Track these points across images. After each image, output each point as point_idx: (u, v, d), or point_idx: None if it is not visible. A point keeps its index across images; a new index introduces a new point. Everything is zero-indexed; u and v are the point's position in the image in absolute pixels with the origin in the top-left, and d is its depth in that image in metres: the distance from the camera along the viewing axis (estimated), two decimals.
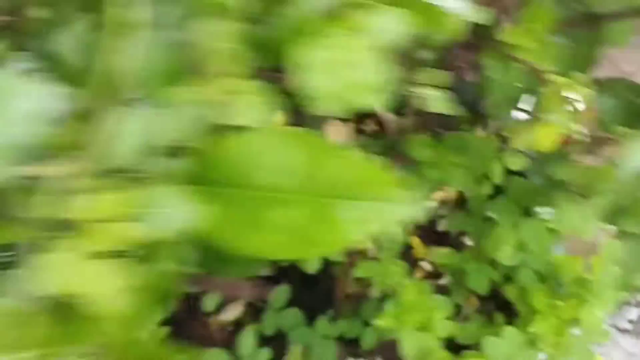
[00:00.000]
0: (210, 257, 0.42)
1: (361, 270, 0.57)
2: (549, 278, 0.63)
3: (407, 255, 0.81)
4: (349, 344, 0.76)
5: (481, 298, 0.78)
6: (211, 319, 0.74)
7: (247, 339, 0.60)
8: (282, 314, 0.68)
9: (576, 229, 0.59)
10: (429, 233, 0.82)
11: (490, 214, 0.63)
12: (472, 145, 0.66)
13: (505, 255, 0.62)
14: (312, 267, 0.61)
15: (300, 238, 0.23)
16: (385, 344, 0.74)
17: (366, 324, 0.74)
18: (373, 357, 0.78)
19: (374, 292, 0.79)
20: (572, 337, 0.58)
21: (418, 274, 0.80)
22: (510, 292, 0.62)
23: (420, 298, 0.53)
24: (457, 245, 0.77)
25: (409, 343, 0.44)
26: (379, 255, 0.66)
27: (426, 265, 0.80)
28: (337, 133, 0.57)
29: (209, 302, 0.66)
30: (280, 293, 0.68)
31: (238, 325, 0.74)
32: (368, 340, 0.73)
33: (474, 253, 0.70)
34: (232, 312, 0.75)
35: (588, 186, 0.53)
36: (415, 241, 0.81)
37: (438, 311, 0.52)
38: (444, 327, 0.58)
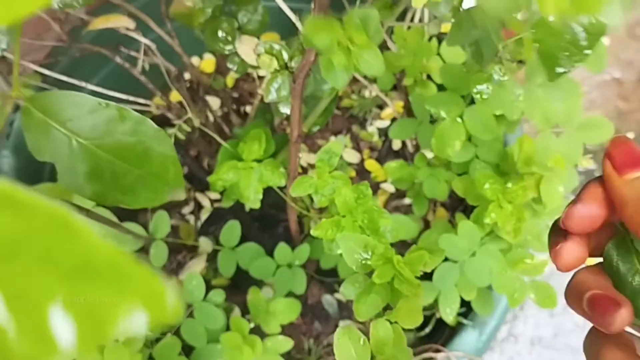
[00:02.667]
0: (109, 187, 0.38)
1: (297, 187, 0.52)
2: (503, 166, 0.58)
3: (367, 180, 0.77)
4: (325, 275, 0.73)
5: (448, 208, 0.73)
6: (171, 280, 0.71)
7: (192, 284, 0.56)
8: (236, 251, 0.64)
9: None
10: (386, 154, 0.78)
11: (433, 111, 0.58)
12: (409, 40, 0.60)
13: (454, 151, 0.57)
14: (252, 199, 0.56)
15: None
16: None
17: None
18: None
19: None
20: (532, 220, 0.53)
21: (381, 197, 0.76)
22: (457, 187, 0.58)
23: (362, 201, 0.48)
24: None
25: (344, 245, 0.39)
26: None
27: (389, 187, 0.76)
28: None
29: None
30: (230, 230, 0.64)
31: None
32: (345, 269, 0.69)
33: (425, 160, 0.65)
34: (193, 270, 0.72)
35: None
36: (372, 164, 0.76)
37: (383, 217, 0.47)
38: (393, 233, 0.53)
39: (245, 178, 0.55)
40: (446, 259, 0.51)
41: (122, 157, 0.37)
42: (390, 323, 0.38)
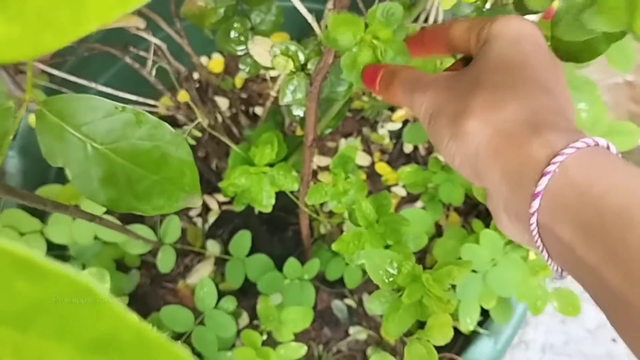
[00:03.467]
0: (124, 193, 0.37)
1: (313, 195, 0.51)
2: None
3: (378, 183, 0.76)
4: (332, 285, 0.72)
5: (462, 213, 0.72)
6: (178, 285, 0.70)
7: (204, 291, 0.55)
8: (245, 261, 0.63)
9: None
10: (397, 157, 0.76)
11: None
12: None
13: None
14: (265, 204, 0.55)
15: None
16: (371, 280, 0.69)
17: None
18: (360, 294, 0.73)
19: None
20: None
21: (393, 201, 0.74)
22: (478, 192, 0.56)
23: (383, 210, 0.47)
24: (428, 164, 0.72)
25: (369, 262, 0.38)
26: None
27: (400, 191, 0.75)
28: None
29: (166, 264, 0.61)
30: (241, 240, 0.63)
31: None
32: (351, 278, 0.68)
33: (440, 164, 0.64)
34: (201, 274, 0.70)
35: None
36: (383, 167, 0.75)
37: (405, 225, 0.45)
38: (417, 242, 0.52)
39: (257, 183, 0.53)
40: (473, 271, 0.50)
41: (137, 162, 0.35)
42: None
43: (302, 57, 0.48)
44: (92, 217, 0.40)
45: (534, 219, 0.23)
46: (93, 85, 0.55)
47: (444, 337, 0.36)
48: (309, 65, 0.48)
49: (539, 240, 0.24)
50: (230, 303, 0.55)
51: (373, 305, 0.41)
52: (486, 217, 0.61)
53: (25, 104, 0.32)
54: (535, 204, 0.23)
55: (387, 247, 0.47)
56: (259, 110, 0.79)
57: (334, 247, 0.46)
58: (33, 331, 0.12)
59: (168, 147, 0.36)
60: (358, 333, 0.70)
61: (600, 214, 0.21)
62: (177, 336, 0.53)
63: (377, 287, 0.73)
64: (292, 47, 0.48)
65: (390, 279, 0.39)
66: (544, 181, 0.23)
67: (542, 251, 0.25)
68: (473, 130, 0.25)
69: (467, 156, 0.26)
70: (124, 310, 0.12)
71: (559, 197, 0.23)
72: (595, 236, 0.21)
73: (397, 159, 0.76)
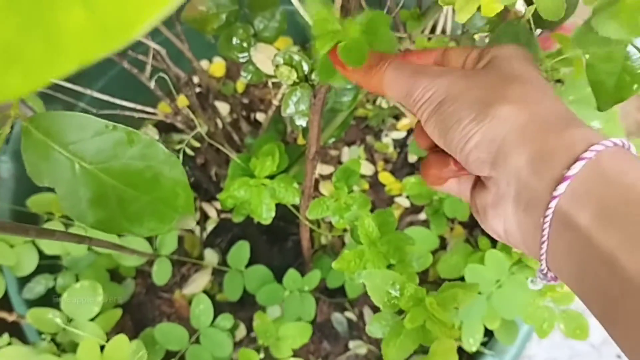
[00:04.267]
0: (115, 215, 0.35)
1: (314, 210, 0.49)
2: None
3: (381, 193, 0.74)
4: (332, 296, 0.70)
5: (466, 226, 0.70)
6: (175, 295, 0.68)
7: (200, 309, 0.53)
8: (244, 273, 0.61)
9: None
10: (401, 166, 0.75)
11: None
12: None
13: None
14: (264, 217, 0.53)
15: None
16: None
17: None
18: (360, 307, 0.71)
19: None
20: None
21: (395, 211, 0.72)
22: None
23: (386, 228, 0.45)
24: None
25: (370, 283, 0.36)
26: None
27: (403, 202, 0.73)
28: None
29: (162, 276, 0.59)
30: (239, 251, 0.61)
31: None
32: (352, 288, 0.66)
33: None
34: (197, 284, 0.68)
35: None
36: (387, 176, 0.73)
37: (409, 244, 0.43)
38: (421, 261, 0.50)
39: (257, 196, 0.51)
40: None
41: (129, 183, 0.34)
42: None
43: (306, 67, 0.46)
44: (81, 239, 0.38)
45: (553, 204, 0.23)
46: (88, 92, 0.53)
47: None
48: (313, 76, 0.46)
49: (546, 231, 0.24)
50: (227, 321, 0.54)
51: (373, 328, 0.39)
52: None
53: (10, 120, 0.31)
54: (562, 187, 0.23)
55: (389, 266, 0.45)
56: (260, 116, 0.77)
57: (334, 265, 0.44)
58: None
59: (161, 167, 0.34)
60: (358, 347, 0.68)
61: (627, 202, 0.22)
62: (171, 354, 0.52)
63: None
64: (296, 57, 0.46)
65: (392, 301, 0.37)
66: (577, 166, 0.23)
67: (542, 244, 0.25)
68: (506, 114, 0.25)
69: (490, 138, 0.26)
70: None
71: (586, 182, 0.23)
72: (617, 222, 0.22)
73: (401, 168, 0.74)
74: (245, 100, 0.78)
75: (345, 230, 0.74)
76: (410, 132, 0.75)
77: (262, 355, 0.51)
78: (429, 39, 0.57)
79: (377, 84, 0.31)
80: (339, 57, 0.31)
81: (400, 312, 0.37)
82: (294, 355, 0.57)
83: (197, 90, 0.72)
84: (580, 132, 0.25)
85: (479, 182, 0.29)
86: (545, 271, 0.26)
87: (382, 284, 0.35)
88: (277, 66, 0.47)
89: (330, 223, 0.73)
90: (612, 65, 0.33)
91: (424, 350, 0.49)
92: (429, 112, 0.28)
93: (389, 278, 0.36)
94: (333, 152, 0.75)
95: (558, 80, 0.43)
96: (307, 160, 0.50)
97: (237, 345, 0.64)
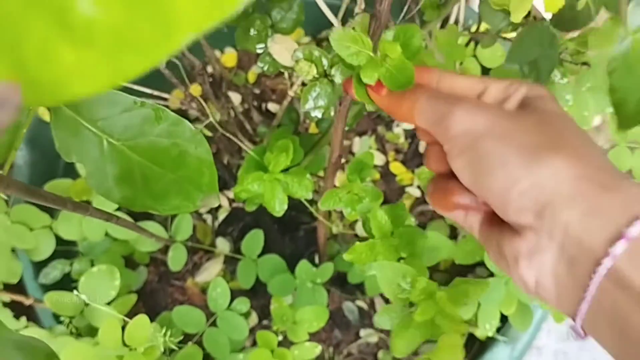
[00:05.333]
0: (140, 192, 0.36)
1: (327, 201, 0.49)
2: None
3: (392, 183, 0.74)
4: (343, 285, 0.70)
5: None
6: (187, 283, 0.69)
7: (217, 292, 0.53)
8: (257, 262, 0.61)
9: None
10: (412, 156, 0.75)
11: None
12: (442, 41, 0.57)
13: None
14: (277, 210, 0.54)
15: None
16: None
17: None
18: (372, 297, 0.72)
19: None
20: None
21: (406, 201, 0.73)
22: None
23: (398, 221, 0.45)
24: None
25: (381, 275, 0.36)
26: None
27: (414, 191, 0.73)
28: None
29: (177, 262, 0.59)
30: (253, 239, 0.62)
31: None
32: (374, 285, 0.66)
33: None
34: (210, 272, 0.69)
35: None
36: (398, 167, 0.74)
37: (421, 238, 0.44)
38: (431, 255, 0.51)
39: (270, 190, 0.52)
40: (491, 274, 0.48)
41: (155, 160, 0.34)
42: None
43: (325, 63, 0.46)
44: (108, 217, 0.39)
45: (608, 261, 0.23)
46: None
47: (454, 358, 0.35)
48: (333, 72, 0.46)
49: (592, 288, 0.23)
50: (243, 304, 0.54)
51: (382, 319, 0.40)
52: None
53: None
54: (620, 245, 0.23)
55: (400, 259, 0.46)
56: (272, 106, 0.78)
57: (345, 256, 0.44)
58: None
59: (187, 145, 0.34)
60: (369, 336, 0.69)
61: None
62: (188, 337, 0.52)
63: None
64: (316, 52, 0.46)
65: (403, 294, 0.38)
66: (637, 225, 0.23)
67: (581, 301, 0.24)
68: (560, 165, 0.25)
69: (540, 188, 0.25)
70: None
71: None
72: None
73: (412, 158, 0.74)
74: (257, 91, 0.79)
75: (356, 221, 0.74)
76: None
77: (280, 337, 0.51)
78: (442, 26, 0.58)
79: (407, 111, 0.30)
80: (374, 85, 0.31)
81: (410, 304, 0.38)
82: (308, 341, 0.58)
83: (210, 79, 0.72)
84: (634, 189, 0.24)
85: (507, 227, 0.27)
86: (577, 328, 0.25)
87: (394, 276, 0.36)
88: (296, 61, 0.47)
89: (341, 212, 0.74)
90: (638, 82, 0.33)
91: (430, 342, 0.49)
92: (463, 145, 0.27)
93: (400, 271, 0.36)
94: (345, 142, 0.76)
95: (584, 63, 0.43)
96: (329, 164, 0.51)
97: (249, 332, 0.65)
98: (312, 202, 0.62)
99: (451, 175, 0.29)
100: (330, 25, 0.56)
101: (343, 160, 0.76)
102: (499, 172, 0.25)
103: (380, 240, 0.42)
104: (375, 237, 0.43)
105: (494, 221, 0.28)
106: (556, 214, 0.24)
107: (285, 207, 0.52)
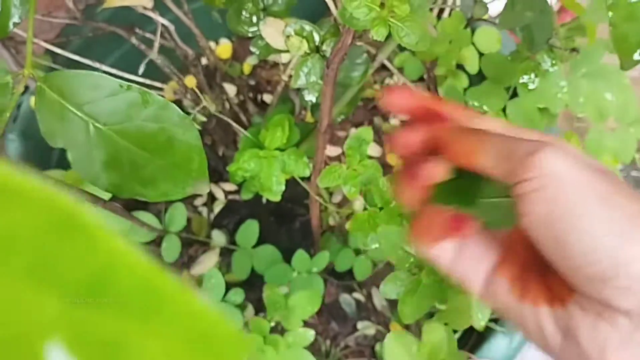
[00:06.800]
0: (127, 178, 0.35)
1: (325, 178, 0.49)
2: None
3: (388, 173, 0.73)
4: (340, 278, 0.70)
5: None
6: (182, 275, 0.68)
7: (212, 283, 0.53)
8: (252, 252, 0.61)
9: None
10: None
11: (475, 104, 0.54)
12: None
13: None
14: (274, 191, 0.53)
15: None
16: (380, 272, 0.67)
17: (357, 252, 0.67)
18: (368, 288, 0.71)
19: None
20: None
21: None
22: None
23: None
24: None
25: (385, 241, 0.35)
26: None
27: None
28: None
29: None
30: (247, 229, 0.61)
31: None
32: (361, 270, 0.66)
33: None
34: (205, 265, 0.68)
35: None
36: (394, 158, 0.73)
37: None
38: None
39: (267, 167, 0.51)
40: None
41: (142, 146, 0.33)
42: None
43: (317, 38, 0.46)
44: (95, 200, 0.38)
45: None
46: (98, 65, 0.53)
47: (463, 321, 0.34)
48: (324, 47, 0.46)
49: None
50: (238, 296, 0.54)
51: (387, 288, 0.39)
52: None
53: (24, 79, 0.30)
54: None
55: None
56: (267, 97, 0.77)
57: (348, 226, 0.44)
58: (3, 272, 0.09)
59: (175, 130, 0.34)
60: (366, 328, 0.68)
61: None
62: None
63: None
64: (307, 27, 0.45)
65: (408, 259, 0.37)
66: None
67: None
68: None
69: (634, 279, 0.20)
70: (124, 245, 0.09)
71: None
72: None
73: None
74: (252, 82, 0.78)
75: (352, 212, 0.74)
76: None
77: (272, 323, 0.51)
78: (440, 11, 0.57)
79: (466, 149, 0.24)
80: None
81: (414, 273, 0.37)
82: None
83: (204, 70, 0.72)
84: None
85: (590, 312, 0.21)
86: None
87: (398, 241, 0.35)
88: (287, 37, 0.47)
89: (338, 204, 0.73)
90: (636, 25, 0.32)
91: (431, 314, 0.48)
92: (553, 189, 0.21)
93: (404, 235, 0.35)
94: (341, 133, 0.75)
95: (573, 49, 0.43)
96: (319, 134, 0.50)
97: (245, 325, 0.64)
98: (309, 194, 0.61)
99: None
100: (325, 12, 0.55)
101: (339, 152, 0.75)
102: (602, 236, 0.20)
103: (383, 209, 0.41)
104: (377, 205, 0.43)
105: (539, 289, 0.23)
106: None
107: (283, 188, 0.51)
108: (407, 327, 0.70)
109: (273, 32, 0.52)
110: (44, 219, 0.09)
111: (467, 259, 0.25)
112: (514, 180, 0.22)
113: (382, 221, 0.40)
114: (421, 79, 0.69)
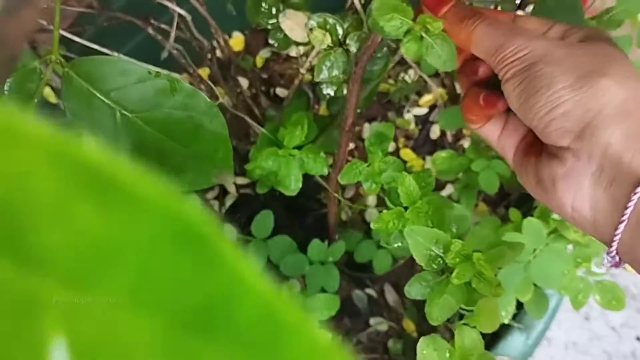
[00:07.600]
0: (153, 166, 0.34)
1: (346, 175, 0.48)
2: None
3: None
4: (353, 271, 0.69)
5: (489, 203, 0.70)
6: None
7: None
8: (267, 243, 0.60)
9: None
10: (423, 143, 0.74)
11: None
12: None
13: None
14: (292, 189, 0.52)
15: None
16: (397, 270, 0.66)
17: (379, 246, 0.66)
18: (381, 284, 0.71)
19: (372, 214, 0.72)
20: None
21: None
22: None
23: (425, 189, 0.44)
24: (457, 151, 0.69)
25: (413, 240, 0.35)
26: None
27: None
28: None
29: None
30: (263, 220, 0.60)
31: None
32: (381, 264, 0.65)
33: (476, 151, 0.61)
34: None
35: None
36: (408, 153, 0.72)
37: (448, 207, 0.43)
38: (459, 224, 0.49)
39: (285, 166, 0.51)
40: None
41: (170, 134, 0.33)
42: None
43: (340, 31, 0.45)
44: None
45: None
46: (115, 54, 0.52)
47: (492, 324, 0.34)
48: (347, 41, 0.45)
49: (629, 210, 0.23)
50: None
51: (413, 289, 0.38)
52: (518, 207, 0.58)
53: (52, 64, 0.30)
54: None
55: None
56: (280, 91, 0.77)
57: (372, 225, 0.43)
58: (93, 291, 0.07)
59: (202, 119, 0.33)
60: (379, 324, 0.68)
61: None
62: None
63: (399, 278, 0.70)
64: (331, 20, 0.45)
65: (436, 259, 0.36)
66: None
67: (619, 224, 0.24)
68: (606, 87, 0.25)
69: (584, 108, 0.25)
70: (250, 267, 0.08)
71: None
72: None
73: (422, 145, 0.73)
74: (265, 75, 0.77)
75: (365, 208, 0.73)
76: (432, 108, 0.74)
77: None
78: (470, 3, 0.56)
79: (465, 38, 0.30)
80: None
81: (442, 273, 0.36)
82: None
83: (219, 62, 0.71)
84: None
85: (545, 152, 0.28)
86: (613, 254, 0.25)
87: (426, 241, 0.34)
88: (311, 29, 0.46)
89: (351, 199, 0.73)
90: None
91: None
92: (517, 70, 0.27)
93: (432, 236, 0.35)
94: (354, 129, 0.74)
95: None
96: (342, 132, 0.49)
97: None
98: (322, 188, 0.61)
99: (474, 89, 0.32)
100: (344, 4, 0.54)
101: (352, 146, 0.74)
102: (545, 92, 0.26)
103: (410, 207, 0.41)
104: (403, 204, 0.42)
105: (532, 148, 0.29)
106: (597, 135, 0.25)
107: (300, 185, 0.51)
108: (419, 325, 0.69)
109: (292, 24, 0.51)
110: (158, 229, 0.07)
111: (504, 137, 0.32)
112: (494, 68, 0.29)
113: (408, 220, 0.39)
114: (437, 74, 0.68)
